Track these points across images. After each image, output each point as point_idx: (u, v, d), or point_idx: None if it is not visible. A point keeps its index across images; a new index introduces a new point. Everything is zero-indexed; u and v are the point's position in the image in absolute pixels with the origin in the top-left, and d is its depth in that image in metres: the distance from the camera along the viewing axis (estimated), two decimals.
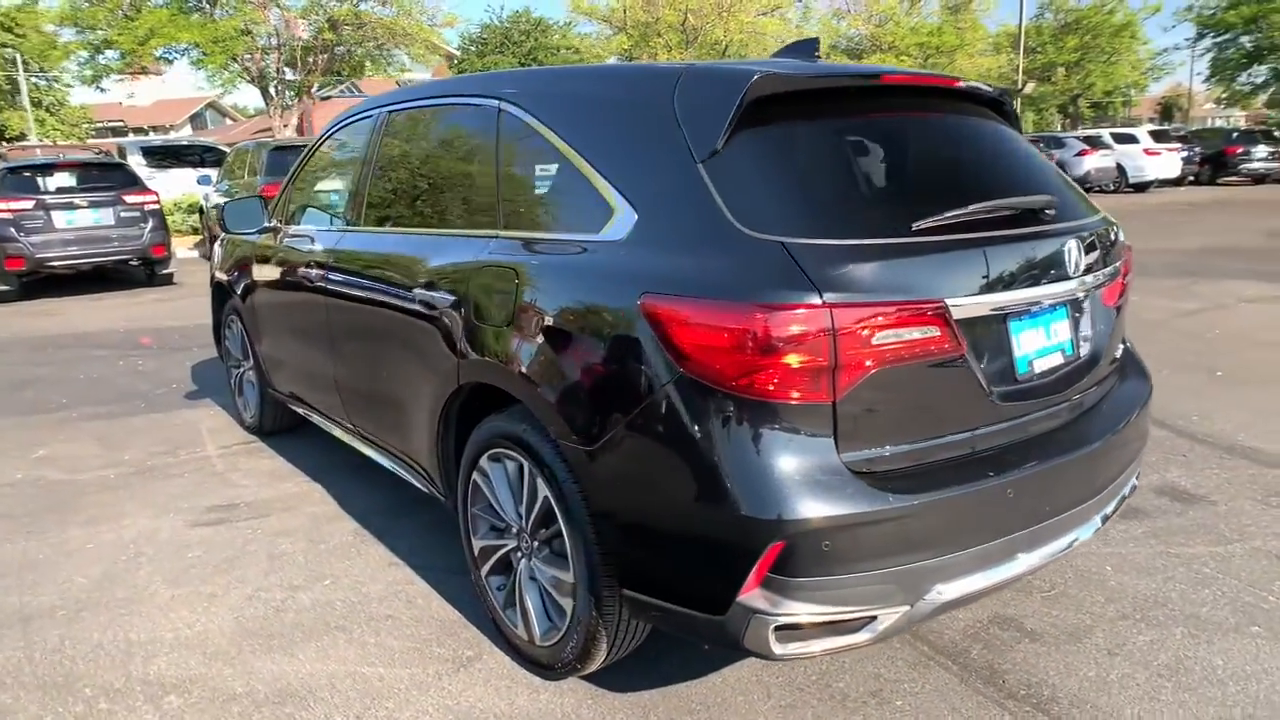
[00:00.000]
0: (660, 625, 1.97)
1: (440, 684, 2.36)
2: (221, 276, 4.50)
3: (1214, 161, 24.72)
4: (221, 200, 11.40)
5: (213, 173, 13.43)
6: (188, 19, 15.12)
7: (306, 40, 15.78)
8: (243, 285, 4.13)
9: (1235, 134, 26.03)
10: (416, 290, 2.57)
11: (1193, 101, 42.02)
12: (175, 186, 14.84)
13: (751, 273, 1.72)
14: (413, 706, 2.26)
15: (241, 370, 4.55)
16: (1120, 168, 22.95)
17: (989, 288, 1.87)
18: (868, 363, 1.71)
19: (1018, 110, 2.67)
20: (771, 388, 1.69)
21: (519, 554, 2.38)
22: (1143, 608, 2.64)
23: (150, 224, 9.57)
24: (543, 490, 2.17)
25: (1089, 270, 2.11)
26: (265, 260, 3.87)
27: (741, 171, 1.85)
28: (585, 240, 2.08)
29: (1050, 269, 2.01)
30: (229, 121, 48.12)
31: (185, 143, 16.92)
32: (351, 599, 2.84)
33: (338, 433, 3.59)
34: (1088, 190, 22.13)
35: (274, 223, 3.83)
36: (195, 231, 13.96)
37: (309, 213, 3.74)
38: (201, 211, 13.41)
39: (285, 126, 17.57)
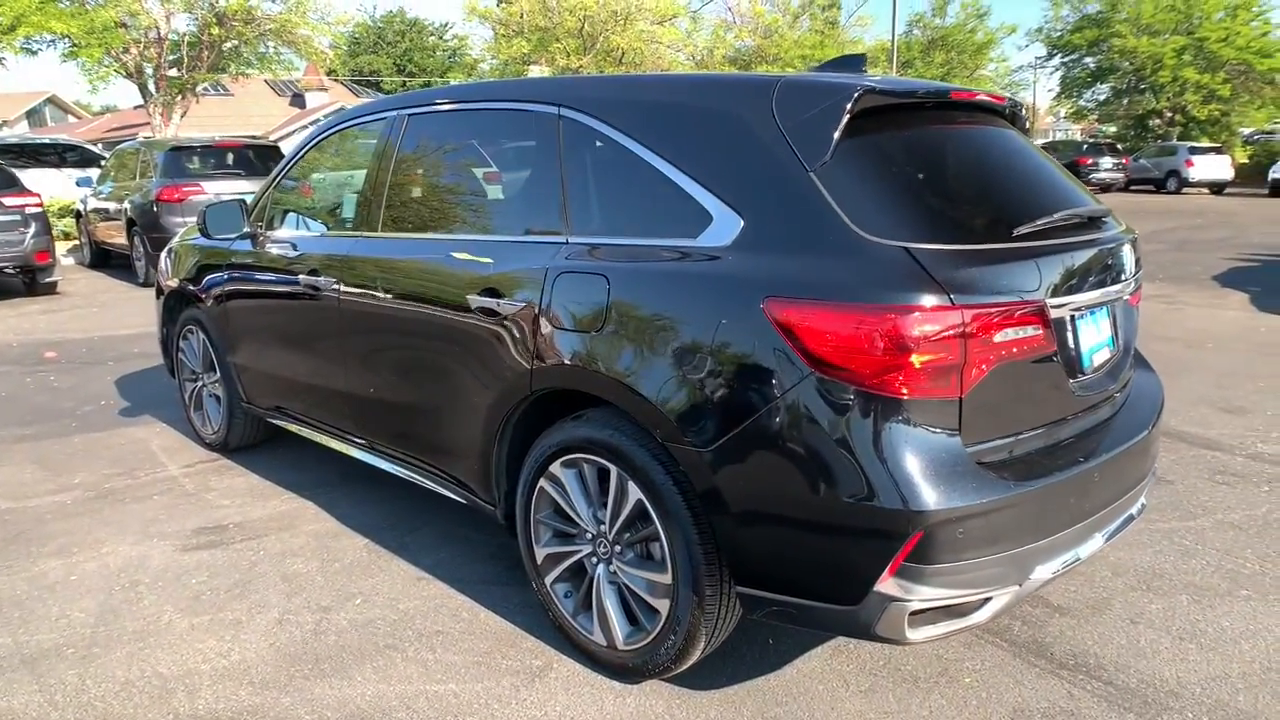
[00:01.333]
0: (777, 620, 2.02)
1: (519, 696, 2.32)
2: (177, 285, 4.21)
3: (1069, 170, 27.02)
4: (108, 205, 10.57)
5: (93, 174, 12.39)
6: (58, 7, 13.79)
7: (191, 34, 14.77)
8: (211, 294, 3.88)
9: (1085, 146, 28.42)
10: (471, 297, 2.52)
11: (1036, 116, 45.61)
12: (38, 188, 13.57)
13: (882, 277, 1.80)
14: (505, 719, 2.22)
15: (199, 384, 4.27)
16: None
17: (1071, 289, 2.03)
18: (988, 360, 1.83)
19: None
20: (908, 385, 1.77)
21: (594, 559, 2.38)
22: (1146, 579, 2.90)
23: (33, 229, 8.76)
24: (635, 493, 2.17)
25: (1132, 274, 2.32)
26: (245, 268, 3.66)
27: (853, 180, 1.93)
28: (681, 245, 2.11)
29: (1108, 271, 2.20)
30: (72, 119, 44.21)
31: (46, 140, 15.48)
32: (391, 616, 2.74)
33: (337, 446, 3.44)
34: None
35: (252, 228, 3.62)
36: (68, 236, 12.85)
37: (301, 218, 3.57)
38: (79, 215, 12.36)
39: (166, 125, 16.35)
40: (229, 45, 15.66)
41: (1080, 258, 2.10)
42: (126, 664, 2.49)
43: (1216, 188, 26.19)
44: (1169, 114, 30.37)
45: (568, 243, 2.35)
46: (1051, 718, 2.21)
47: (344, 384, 3.17)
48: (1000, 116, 2.52)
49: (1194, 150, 26.54)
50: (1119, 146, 28.60)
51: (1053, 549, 1.96)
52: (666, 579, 2.15)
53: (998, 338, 1.83)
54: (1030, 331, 1.90)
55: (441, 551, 3.17)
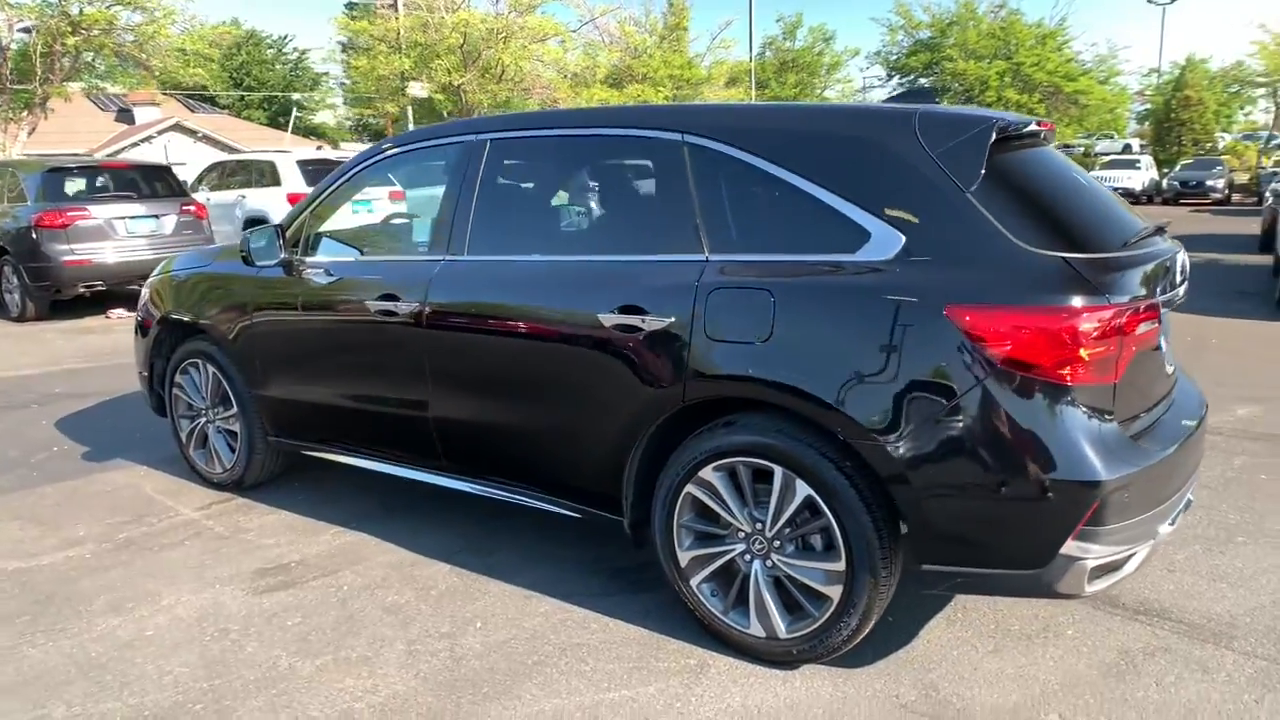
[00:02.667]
0: (956, 590, 2.26)
1: (694, 693, 2.43)
2: (174, 317, 3.98)
3: None
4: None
5: None
6: None
7: (43, 43, 13.37)
8: (232, 325, 3.69)
9: None
10: (604, 316, 2.61)
11: None
12: None
13: (1051, 283, 2.08)
14: (700, 714, 2.32)
15: (202, 421, 4.04)
16: None
17: (1164, 289, 2.39)
18: (1130, 350, 2.15)
19: None
20: (1080, 374, 2.06)
21: (748, 556, 2.52)
22: None
23: None
24: (803, 490, 2.35)
25: (1185, 276, 2.73)
26: (282, 295, 3.53)
27: (1001, 199, 2.21)
28: (837, 260, 2.32)
29: (1171, 274, 2.58)
30: None
31: None
32: (521, 635, 2.76)
33: (398, 472, 3.39)
34: None
35: (288, 254, 3.50)
36: None
37: (346, 242, 3.49)
38: None
39: (14, 140, 14.68)
40: (88, 57, 14.34)
41: (1163, 262, 2.46)
42: (272, 712, 2.40)
43: None
44: None
45: (708, 260, 2.50)
46: (1151, 654, 2.56)
47: (424, 409, 3.14)
48: (1045, 141, 2.89)
49: None
50: None
51: (1169, 511, 2.30)
52: (840, 566, 2.34)
53: (1137, 330, 2.15)
54: (1151, 325, 2.24)
55: (534, 571, 3.19)
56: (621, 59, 25.07)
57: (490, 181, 3.04)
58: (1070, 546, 2.09)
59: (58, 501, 4.00)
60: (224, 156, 15.74)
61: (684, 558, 2.63)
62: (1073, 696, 2.38)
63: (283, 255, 3.45)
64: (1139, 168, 27.42)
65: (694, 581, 2.62)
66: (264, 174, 11.98)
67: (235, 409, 3.85)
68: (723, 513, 2.53)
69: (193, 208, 10.01)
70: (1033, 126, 2.50)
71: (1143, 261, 2.28)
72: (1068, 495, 2.06)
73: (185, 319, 3.93)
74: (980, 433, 2.11)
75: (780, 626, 2.48)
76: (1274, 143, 33.15)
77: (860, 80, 39.45)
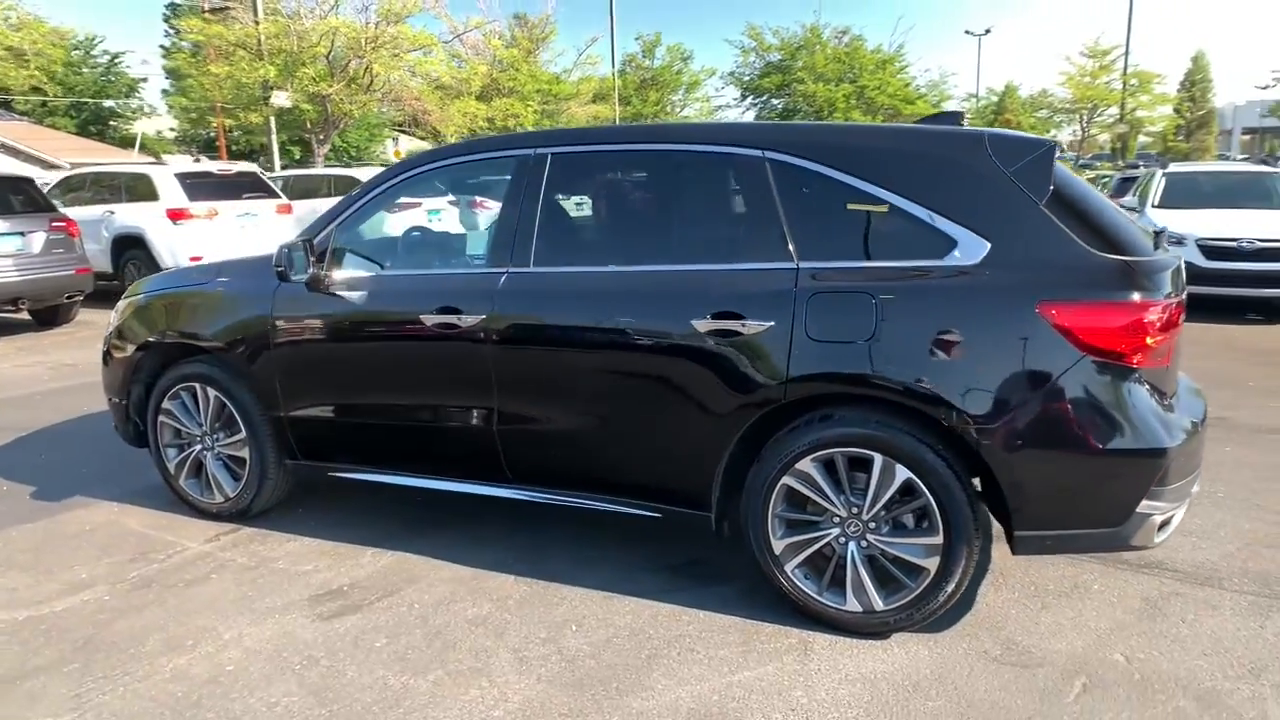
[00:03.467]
0: (1045, 551, 2.57)
1: (811, 668, 2.62)
2: (163, 340, 3.75)
3: None
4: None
5: None
6: None
7: None
8: (253, 345, 3.53)
9: None
10: (697, 322, 2.76)
11: None
12: None
13: (1122, 282, 2.44)
14: (821, 688, 2.51)
15: (197, 449, 3.82)
16: None
17: (1182, 288, 2.81)
18: (1173, 338, 2.54)
19: None
20: (1146, 359, 2.43)
21: (843, 539, 2.75)
22: None
23: None
24: (902, 474, 2.60)
25: None
26: (317, 311, 3.42)
27: (1063, 210, 2.56)
28: (927, 265, 2.59)
29: (1183, 276, 2.99)
30: None
31: None
32: (623, 633, 2.85)
33: (451, 488, 3.38)
34: None
35: (315, 270, 3.40)
36: None
37: (381, 256, 3.43)
38: None
39: None
40: None
41: (1179, 265, 2.88)
42: None
43: None
44: None
45: (799, 268, 2.71)
46: (1167, 599, 2.99)
47: (489, 421, 3.15)
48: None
49: None
50: None
51: (1198, 476, 2.72)
52: (937, 539, 2.60)
53: (1178, 321, 2.56)
54: (1183, 318, 2.65)
55: (595, 574, 3.26)
56: (489, 73, 24.91)
57: (554, 194, 3.12)
58: (1143, 505, 2.45)
59: (33, 545, 3.65)
60: (79, 169, 14.30)
61: (778, 546, 2.81)
62: (1124, 637, 2.75)
63: (312, 270, 3.36)
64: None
65: (788, 567, 2.81)
66: (135, 188, 11.09)
67: (243, 434, 3.67)
68: (821, 500, 2.74)
69: (63, 224, 9.17)
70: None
71: (1170, 264, 2.70)
72: (1143, 461, 2.42)
73: (183, 341, 3.71)
74: (1071, 412, 2.44)
75: (877, 601, 2.71)
76: (1079, 163, 37.36)
77: (715, 100, 40.99)
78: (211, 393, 3.70)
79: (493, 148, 3.33)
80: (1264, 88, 51.14)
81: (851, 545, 2.74)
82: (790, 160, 2.79)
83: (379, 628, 2.92)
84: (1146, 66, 33.20)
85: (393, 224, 3.65)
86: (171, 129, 43.44)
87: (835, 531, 2.76)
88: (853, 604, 2.75)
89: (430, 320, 3.17)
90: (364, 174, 13.64)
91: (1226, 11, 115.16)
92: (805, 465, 2.72)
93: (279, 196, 11.66)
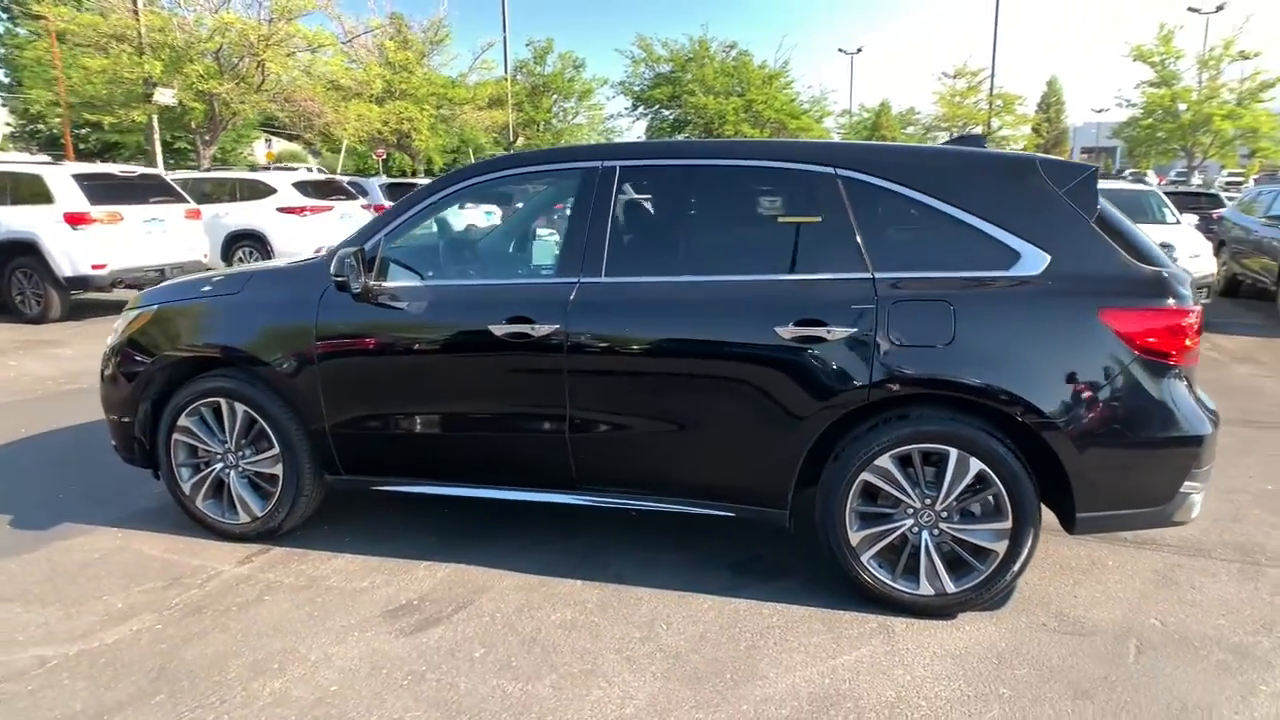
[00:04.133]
0: (1098, 530, 2.88)
1: (900, 647, 2.83)
2: (204, 352, 3.58)
3: None
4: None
5: None
6: None
7: None
8: (295, 356, 3.42)
9: None
10: (780, 329, 2.92)
11: None
12: None
13: (1164, 291, 2.79)
14: (918, 665, 2.73)
15: (218, 467, 3.65)
16: None
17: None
18: (1198, 340, 2.92)
19: None
20: (1185, 358, 2.78)
21: (916, 528, 2.97)
22: None
23: None
24: (975, 466, 2.85)
25: None
26: (372, 321, 3.36)
27: (1106, 227, 2.89)
28: (993, 275, 2.86)
29: None
30: None
31: None
32: (713, 629, 2.97)
33: (507, 496, 3.40)
34: None
35: (366, 279, 3.35)
36: None
37: (436, 266, 3.41)
38: None
39: None
40: None
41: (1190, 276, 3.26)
42: None
43: None
44: None
45: (875, 278, 2.93)
46: (1174, 569, 3.39)
47: (560, 429, 3.20)
48: None
49: None
50: None
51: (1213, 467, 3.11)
52: (1007, 524, 2.87)
53: (1199, 325, 2.93)
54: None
55: (662, 574, 3.37)
56: (381, 74, 24.24)
57: (625, 206, 3.21)
58: (1185, 485, 2.80)
59: (43, 576, 3.39)
60: None
61: (855, 538, 3.01)
62: (1151, 603, 3.12)
63: (366, 279, 3.30)
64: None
65: (864, 558, 3.02)
66: (21, 189, 10.19)
67: (275, 450, 3.54)
68: (898, 493, 2.96)
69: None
70: None
71: (1188, 275, 3.08)
72: (1187, 447, 2.77)
73: (210, 354, 3.55)
74: (1128, 405, 2.76)
75: (949, 584, 2.95)
76: None
77: (607, 109, 41.46)
78: (239, 408, 3.55)
79: (558, 159, 3.39)
80: (1100, 110, 56.72)
81: (924, 534, 2.97)
82: (859, 177, 3.01)
83: (470, 638, 2.92)
84: (1008, 89, 36.06)
85: (443, 231, 3.62)
86: (9, 124, 39.65)
87: (909, 522, 2.98)
88: (926, 589, 2.98)
89: (500, 330, 3.19)
90: (270, 177, 13.07)
91: (1071, 40, 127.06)
92: (884, 461, 2.93)
93: (186, 201, 11.01)
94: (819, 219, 3.06)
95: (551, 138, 38.69)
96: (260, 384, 3.52)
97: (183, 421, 3.64)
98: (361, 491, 3.69)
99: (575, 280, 3.19)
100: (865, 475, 2.96)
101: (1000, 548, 2.90)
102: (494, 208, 11.09)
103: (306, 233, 12.27)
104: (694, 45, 36.27)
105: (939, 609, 3.00)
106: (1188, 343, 2.78)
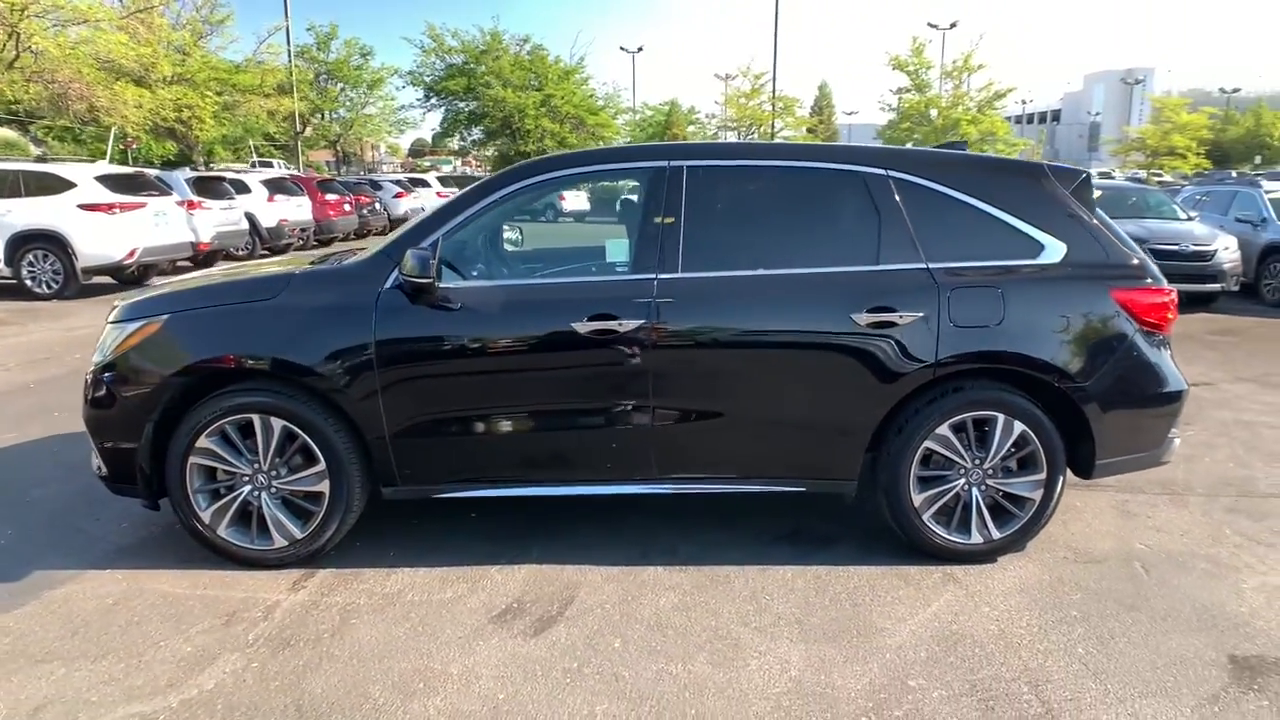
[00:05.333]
0: (1106, 474, 3.45)
1: (974, 590, 3.25)
2: (235, 363, 3.26)
3: None
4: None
5: None
6: None
7: None
8: (352, 364, 3.21)
9: None
10: (856, 315, 3.23)
11: (447, 150, 50.01)
12: None
13: (1152, 273, 3.41)
14: (997, 601, 3.16)
15: (246, 490, 3.35)
16: (424, 208, 26.72)
17: None
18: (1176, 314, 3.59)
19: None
20: (1168, 327, 3.43)
21: (968, 485, 3.41)
22: None
23: None
24: (1018, 428, 3.33)
25: None
26: (439, 323, 3.24)
27: (1103, 220, 3.48)
28: (1024, 264, 3.35)
29: None
30: None
31: None
32: (810, 595, 3.22)
33: (578, 491, 3.44)
34: None
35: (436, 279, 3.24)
36: None
37: (506, 263, 3.35)
38: None
39: None
40: None
41: None
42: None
43: (581, 216, 32.99)
44: (535, 156, 36.78)
45: (929, 269, 3.32)
46: (1125, 503, 4.12)
47: (645, 421, 3.29)
48: None
49: None
50: None
51: None
52: (1042, 476, 3.38)
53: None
54: None
55: (730, 552, 3.57)
56: (168, 56, 21.75)
57: (695, 204, 3.35)
58: (1172, 432, 3.46)
59: (64, 632, 2.95)
60: None
61: (918, 500, 3.40)
62: (1129, 532, 3.80)
63: (439, 282, 3.20)
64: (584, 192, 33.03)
65: (925, 517, 3.41)
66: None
67: (321, 465, 3.32)
68: (954, 457, 3.37)
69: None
70: None
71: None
72: (1176, 400, 3.43)
73: (252, 364, 3.24)
74: (1137, 368, 3.35)
75: (995, 532, 3.42)
76: None
77: (400, 98, 39.82)
78: (276, 423, 3.28)
79: (625, 158, 3.45)
80: (851, 113, 63.16)
81: (974, 490, 3.42)
82: (909, 178, 3.39)
83: (598, 631, 2.96)
84: (786, 93, 39.05)
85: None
86: None
87: (961, 481, 3.41)
88: (976, 538, 3.43)
89: (584, 328, 3.22)
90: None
91: (836, 48, 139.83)
92: (943, 430, 3.34)
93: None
94: (877, 215, 3.39)
95: (340, 128, 36.57)
96: (303, 396, 3.28)
97: (202, 443, 3.29)
98: (401, 501, 3.54)
99: (653, 276, 3.29)
100: (928, 443, 3.34)
101: (1037, 495, 3.41)
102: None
103: (117, 234, 10.88)
104: (486, 37, 35.80)
105: (985, 554, 3.46)
106: (1170, 316, 3.43)
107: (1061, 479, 3.40)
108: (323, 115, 35.18)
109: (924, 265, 3.32)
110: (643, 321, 3.23)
